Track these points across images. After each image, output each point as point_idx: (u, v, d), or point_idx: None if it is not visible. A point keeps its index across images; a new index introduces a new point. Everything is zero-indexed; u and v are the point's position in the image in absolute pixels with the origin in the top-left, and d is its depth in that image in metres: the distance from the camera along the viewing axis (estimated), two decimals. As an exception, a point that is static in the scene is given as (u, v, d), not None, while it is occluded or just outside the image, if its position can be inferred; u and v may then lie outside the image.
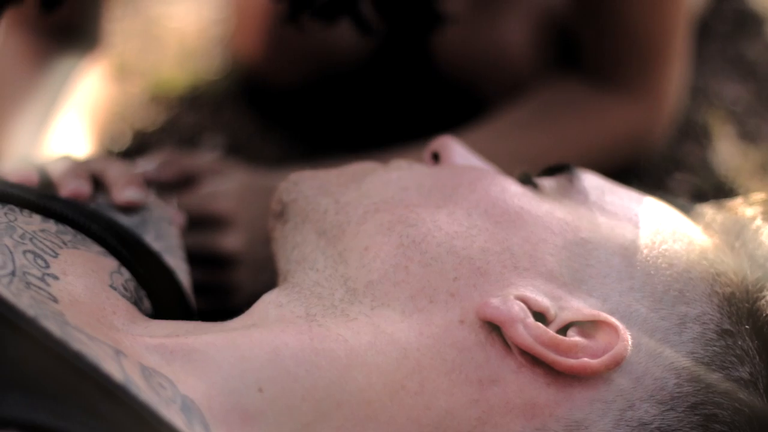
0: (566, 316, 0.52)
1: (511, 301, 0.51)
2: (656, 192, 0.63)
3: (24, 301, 0.47)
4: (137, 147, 1.29)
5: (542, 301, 0.52)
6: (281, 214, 0.60)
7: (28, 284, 0.51)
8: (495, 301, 0.51)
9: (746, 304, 0.54)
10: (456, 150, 0.62)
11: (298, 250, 0.58)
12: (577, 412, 0.51)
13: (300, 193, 0.60)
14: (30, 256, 0.54)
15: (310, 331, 0.52)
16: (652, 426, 0.51)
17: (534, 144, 1.06)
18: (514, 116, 1.11)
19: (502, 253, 0.54)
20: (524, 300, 0.52)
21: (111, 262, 0.59)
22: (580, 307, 0.52)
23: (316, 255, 0.57)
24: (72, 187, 0.64)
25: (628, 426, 0.51)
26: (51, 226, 0.59)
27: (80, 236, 0.60)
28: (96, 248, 0.60)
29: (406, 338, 0.52)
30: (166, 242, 0.66)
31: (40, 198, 0.60)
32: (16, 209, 0.58)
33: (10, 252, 0.53)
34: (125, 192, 0.65)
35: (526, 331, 0.51)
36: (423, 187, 0.58)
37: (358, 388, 0.50)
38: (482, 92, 1.25)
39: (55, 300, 0.51)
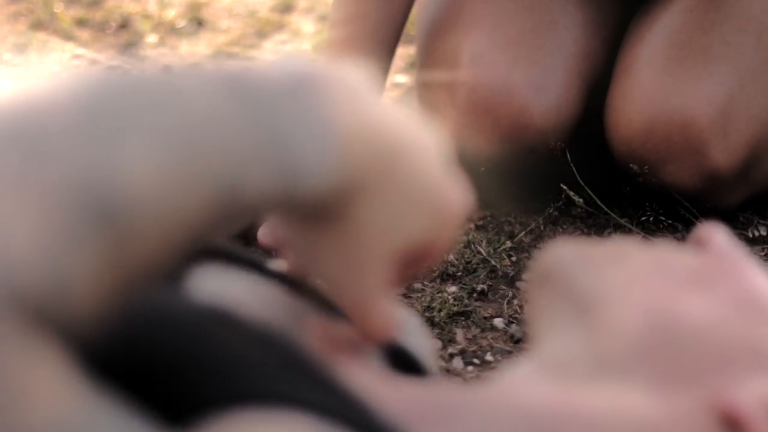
0: None
1: (755, 398, 0.51)
2: None
3: None
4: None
5: None
6: (543, 281, 0.61)
7: None
8: (739, 397, 0.51)
9: None
10: (720, 239, 0.62)
11: (553, 318, 0.59)
12: None
13: (563, 264, 0.60)
14: None
15: (555, 396, 0.52)
16: None
17: None
18: None
19: (751, 347, 0.54)
20: (763, 396, 0.51)
21: None
22: None
23: (570, 326, 0.57)
24: None
25: None
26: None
27: None
28: None
29: (647, 416, 0.52)
30: None
31: None
32: None
33: None
34: None
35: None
36: (682, 270, 0.58)
37: None
38: (664, 177, 1.24)
39: None
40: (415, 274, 0.57)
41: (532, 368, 0.56)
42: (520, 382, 0.56)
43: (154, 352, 0.45)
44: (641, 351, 0.54)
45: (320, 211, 0.49)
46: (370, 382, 0.52)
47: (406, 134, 0.51)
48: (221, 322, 0.48)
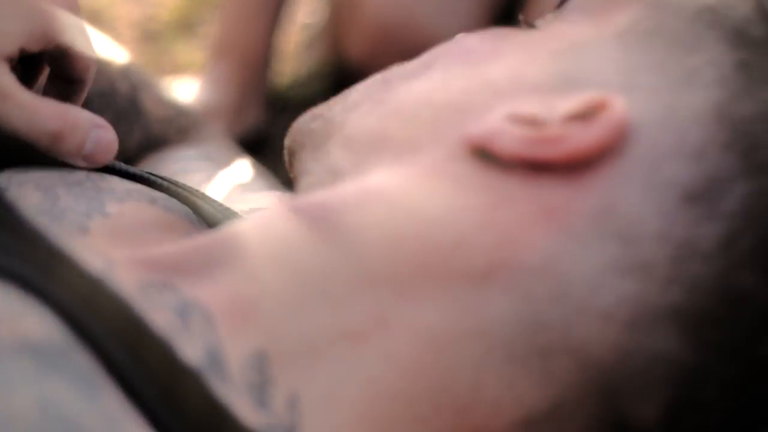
0: (557, 113, 0.49)
1: (492, 118, 0.49)
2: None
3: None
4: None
5: (527, 108, 0.49)
6: (291, 154, 0.60)
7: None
8: (479, 125, 0.49)
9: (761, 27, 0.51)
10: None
11: (301, 171, 0.58)
12: (597, 198, 0.47)
13: (296, 129, 0.60)
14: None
15: (293, 211, 0.50)
16: (686, 183, 0.47)
17: None
18: None
19: (482, 87, 0.52)
20: (508, 115, 0.49)
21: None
22: (570, 100, 0.49)
23: (311, 165, 0.56)
24: None
25: (660, 188, 0.47)
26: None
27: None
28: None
29: (394, 187, 0.50)
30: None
31: None
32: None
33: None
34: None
35: (513, 138, 0.48)
36: (405, 70, 0.57)
37: (344, 251, 0.48)
38: None
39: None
40: (73, 75, 0.59)
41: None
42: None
43: None
44: (373, 146, 0.53)
45: None
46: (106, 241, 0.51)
47: None
48: None
